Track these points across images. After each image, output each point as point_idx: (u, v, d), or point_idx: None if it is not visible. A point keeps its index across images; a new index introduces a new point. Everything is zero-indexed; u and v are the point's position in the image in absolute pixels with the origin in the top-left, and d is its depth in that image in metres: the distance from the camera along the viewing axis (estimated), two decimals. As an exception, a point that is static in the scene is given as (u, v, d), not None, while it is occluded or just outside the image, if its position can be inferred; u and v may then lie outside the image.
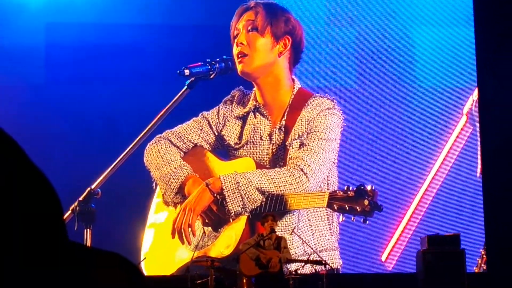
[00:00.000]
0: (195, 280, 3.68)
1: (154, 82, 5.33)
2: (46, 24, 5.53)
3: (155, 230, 4.43)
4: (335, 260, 4.23)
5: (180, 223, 4.16)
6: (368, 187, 3.90)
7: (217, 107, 4.50)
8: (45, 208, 1.21)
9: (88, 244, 3.84)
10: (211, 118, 4.48)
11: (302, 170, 4.10)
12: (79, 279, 1.23)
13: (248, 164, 4.26)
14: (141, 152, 4.36)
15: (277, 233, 3.60)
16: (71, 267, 1.22)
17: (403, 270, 5.03)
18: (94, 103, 5.39)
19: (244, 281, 3.53)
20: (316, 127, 4.23)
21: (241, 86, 4.52)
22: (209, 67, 4.29)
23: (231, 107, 4.48)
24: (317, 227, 4.24)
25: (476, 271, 4.56)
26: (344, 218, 3.94)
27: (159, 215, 4.44)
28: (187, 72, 4.25)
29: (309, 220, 4.23)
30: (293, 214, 4.17)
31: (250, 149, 4.37)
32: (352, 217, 3.91)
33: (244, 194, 4.08)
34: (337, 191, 3.96)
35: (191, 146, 4.45)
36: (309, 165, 4.11)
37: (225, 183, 4.11)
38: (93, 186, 4.00)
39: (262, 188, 4.08)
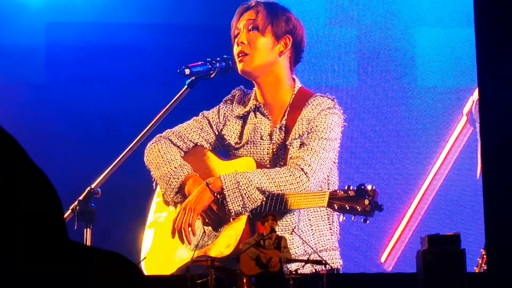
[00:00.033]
0: (195, 279, 3.67)
1: (154, 82, 5.33)
2: (46, 24, 5.53)
3: (155, 230, 4.43)
4: (335, 260, 4.23)
5: (180, 223, 4.16)
6: (369, 187, 3.90)
7: (217, 106, 4.50)
8: (45, 208, 1.20)
9: (88, 243, 3.83)
10: (212, 118, 4.47)
11: (302, 169, 4.10)
12: (79, 279, 1.23)
13: (248, 163, 4.26)
14: (141, 151, 4.36)
15: (277, 233, 3.59)
16: (71, 267, 1.22)
17: (403, 270, 5.03)
18: (94, 103, 5.39)
19: (244, 280, 3.52)
20: (316, 126, 4.23)
21: (241, 86, 4.51)
22: (210, 66, 4.29)
23: (232, 107, 4.48)
24: (318, 226, 4.24)
25: (477, 271, 4.56)
26: (344, 218, 3.94)
27: (159, 215, 4.44)
28: (187, 71, 4.25)
29: (309, 219, 4.23)
30: (294, 214, 4.16)
31: (251, 148, 4.37)
32: (353, 217, 3.91)
33: (245, 194, 4.08)
34: (338, 191, 3.96)
35: (192, 146, 4.45)
36: (309, 165, 4.11)
37: (225, 182, 4.11)
38: (93, 186, 4.00)
39: (263, 188, 4.08)
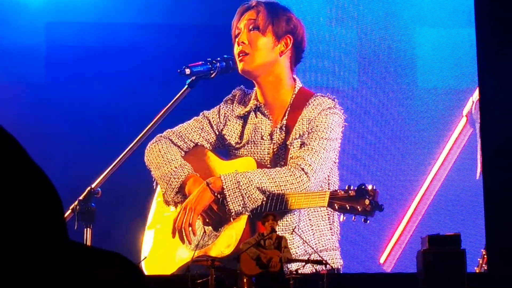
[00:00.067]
0: (195, 279, 3.67)
1: (154, 82, 5.33)
2: (46, 24, 5.53)
3: (155, 230, 4.43)
4: (335, 260, 4.23)
5: (180, 223, 4.16)
6: (369, 187, 3.90)
7: (218, 106, 4.50)
8: (46, 208, 1.20)
9: (88, 243, 3.83)
10: (212, 118, 4.47)
11: (303, 169, 4.10)
12: (79, 279, 1.22)
13: (249, 163, 4.26)
14: (141, 151, 4.35)
15: (277, 233, 3.59)
16: (71, 267, 1.22)
17: (404, 270, 5.02)
18: (94, 103, 5.39)
19: (245, 280, 3.52)
20: (317, 126, 4.23)
21: (242, 86, 4.51)
22: (210, 66, 4.29)
23: (232, 107, 4.48)
24: (318, 226, 4.24)
25: (477, 271, 4.55)
26: (344, 218, 3.94)
27: (159, 215, 4.44)
28: (187, 71, 4.25)
29: (310, 219, 4.23)
30: (294, 214, 4.16)
31: (251, 148, 4.37)
32: (353, 217, 3.91)
33: (245, 194, 4.07)
34: (338, 191, 3.96)
35: (192, 146, 4.45)
36: (310, 165, 4.11)
37: (225, 182, 4.11)
38: (93, 186, 3.99)
39: (263, 188, 4.08)
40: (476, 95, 5.15)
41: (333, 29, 5.34)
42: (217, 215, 4.19)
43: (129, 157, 4.11)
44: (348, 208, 3.89)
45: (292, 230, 4.10)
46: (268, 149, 4.33)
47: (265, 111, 4.37)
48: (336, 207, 3.91)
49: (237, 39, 4.39)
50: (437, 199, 5.28)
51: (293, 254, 3.87)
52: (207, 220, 4.23)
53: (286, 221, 4.15)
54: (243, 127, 4.42)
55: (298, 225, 4.16)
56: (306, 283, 3.66)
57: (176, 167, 4.31)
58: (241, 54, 4.35)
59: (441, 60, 5.37)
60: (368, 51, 5.34)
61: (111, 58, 5.43)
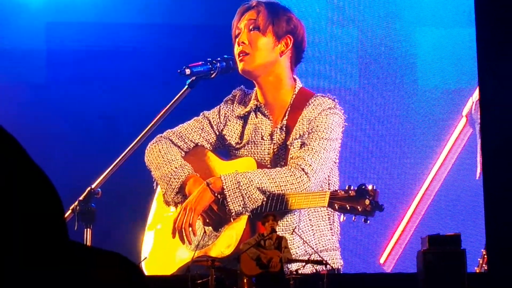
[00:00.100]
0: (195, 280, 3.67)
1: (154, 82, 5.33)
2: (46, 24, 5.53)
3: (155, 230, 4.43)
4: (336, 260, 4.22)
5: (180, 223, 4.16)
6: (369, 187, 3.90)
7: (218, 106, 4.50)
8: (46, 208, 1.20)
9: (88, 243, 3.83)
10: (212, 118, 4.47)
11: (303, 169, 4.09)
12: (79, 279, 1.22)
13: (249, 163, 4.26)
14: (141, 151, 4.35)
15: (277, 233, 3.59)
16: (71, 267, 1.21)
17: (404, 270, 5.02)
18: (94, 103, 5.39)
19: (245, 280, 3.52)
20: (317, 126, 4.22)
21: (242, 86, 4.51)
22: (210, 66, 4.29)
23: (232, 107, 4.47)
24: (318, 227, 4.24)
25: (478, 271, 4.55)
26: (345, 218, 3.94)
27: (159, 215, 4.44)
28: (188, 71, 4.24)
29: (310, 220, 4.22)
30: (294, 214, 4.16)
31: (251, 148, 4.36)
32: (353, 217, 3.91)
33: (245, 194, 4.07)
34: (338, 191, 3.96)
35: (192, 146, 4.45)
36: (310, 165, 4.11)
37: (226, 182, 4.11)
38: (93, 186, 3.99)
39: (263, 188, 4.07)
40: (476, 95, 5.15)
41: (334, 28, 5.34)
42: (217, 216, 4.19)
43: (129, 157, 4.11)
44: (348, 208, 3.89)
45: (292, 231, 4.10)
46: (268, 149, 4.33)
47: (265, 111, 4.37)
48: (336, 207, 3.91)
49: (237, 39, 4.39)
50: (437, 199, 5.28)
51: (293, 254, 3.87)
52: (207, 221, 4.23)
53: (286, 221, 4.15)
54: (243, 127, 4.42)
55: (298, 225, 4.16)
56: (306, 283, 3.65)
57: (176, 168, 4.31)
58: (241, 54, 4.35)
59: (441, 60, 5.37)
60: (369, 51, 5.34)
61: (111, 58, 5.43)
